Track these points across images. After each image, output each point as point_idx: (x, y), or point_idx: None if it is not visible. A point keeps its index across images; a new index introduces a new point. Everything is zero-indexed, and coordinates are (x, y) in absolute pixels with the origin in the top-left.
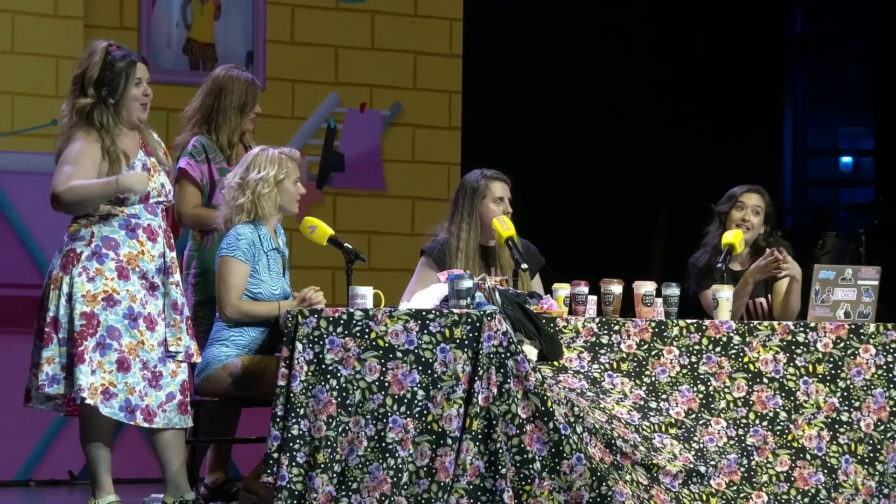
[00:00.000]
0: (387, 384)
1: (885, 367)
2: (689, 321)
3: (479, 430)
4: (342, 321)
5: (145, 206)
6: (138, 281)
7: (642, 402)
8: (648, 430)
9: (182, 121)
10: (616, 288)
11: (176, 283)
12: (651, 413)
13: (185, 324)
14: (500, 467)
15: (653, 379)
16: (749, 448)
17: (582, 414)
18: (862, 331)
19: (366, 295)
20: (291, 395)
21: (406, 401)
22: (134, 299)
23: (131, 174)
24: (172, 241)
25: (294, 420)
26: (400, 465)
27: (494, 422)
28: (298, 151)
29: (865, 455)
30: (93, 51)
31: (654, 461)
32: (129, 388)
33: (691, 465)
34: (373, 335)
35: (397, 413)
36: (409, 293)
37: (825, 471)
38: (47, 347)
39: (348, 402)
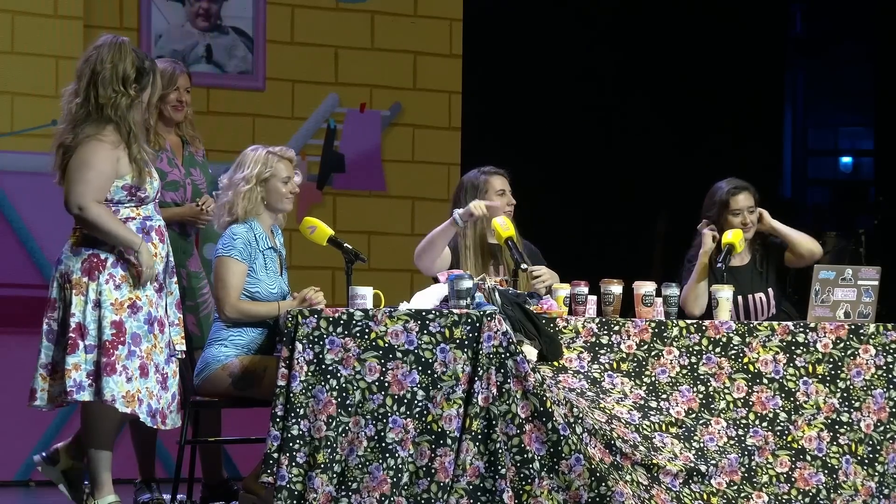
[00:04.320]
0: (387, 384)
1: (884, 367)
2: (688, 321)
3: (478, 431)
4: (342, 321)
5: (154, 207)
6: (152, 285)
7: (642, 402)
8: (648, 430)
9: None
10: (616, 288)
11: (176, 282)
12: (651, 412)
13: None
14: (499, 467)
15: (653, 379)
16: (749, 448)
17: (581, 414)
18: (862, 331)
19: (366, 295)
20: (291, 395)
21: (406, 401)
22: (151, 304)
23: (150, 255)
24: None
25: (294, 420)
26: (400, 466)
27: (494, 422)
28: (293, 151)
29: (865, 456)
30: (119, 47)
31: (655, 461)
32: (149, 392)
33: (692, 465)
34: (373, 335)
35: (397, 413)
36: (425, 249)
37: (825, 471)
38: (73, 354)
39: (348, 402)
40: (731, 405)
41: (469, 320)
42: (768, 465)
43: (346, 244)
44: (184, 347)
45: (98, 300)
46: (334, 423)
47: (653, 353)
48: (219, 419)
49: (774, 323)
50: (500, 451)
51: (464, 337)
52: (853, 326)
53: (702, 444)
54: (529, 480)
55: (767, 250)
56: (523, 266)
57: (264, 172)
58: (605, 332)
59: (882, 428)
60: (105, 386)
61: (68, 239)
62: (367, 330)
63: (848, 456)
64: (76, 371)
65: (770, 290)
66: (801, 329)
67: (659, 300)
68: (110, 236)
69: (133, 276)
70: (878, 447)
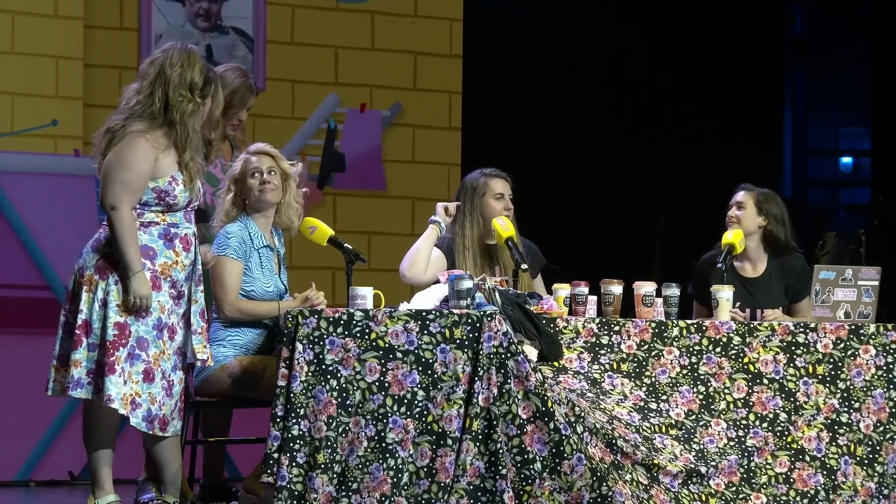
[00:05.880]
0: (387, 384)
1: (885, 367)
2: (689, 321)
3: (479, 431)
4: (342, 321)
5: (185, 215)
6: (168, 291)
7: (642, 403)
8: (648, 432)
9: None
10: (616, 288)
11: (203, 291)
12: (651, 414)
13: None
14: (500, 468)
15: (653, 380)
16: (749, 449)
17: (583, 413)
18: (862, 331)
19: (366, 295)
20: (291, 395)
21: (406, 401)
22: (163, 310)
23: (146, 285)
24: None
25: (294, 420)
26: (400, 466)
27: (495, 422)
28: (268, 144)
29: (865, 456)
30: (189, 54)
31: (655, 461)
32: (152, 398)
33: (692, 466)
34: (373, 335)
35: (397, 413)
36: (414, 260)
37: (824, 472)
38: (76, 350)
39: (348, 402)
40: (732, 405)
41: (469, 320)
42: (767, 466)
43: (346, 244)
44: (205, 356)
45: (105, 300)
46: (334, 424)
47: (653, 354)
48: (228, 421)
49: (774, 323)
50: (501, 451)
51: (464, 337)
52: (853, 327)
53: (702, 446)
54: (530, 481)
55: (784, 266)
56: (523, 266)
57: (235, 173)
58: (606, 332)
59: (882, 428)
60: (105, 385)
61: (96, 234)
62: (367, 330)
63: (847, 457)
64: (76, 368)
65: (782, 308)
66: (802, 329)
67: (659, 300)
68: (119, 246)
69: (147, 279)
70: (878, 448)
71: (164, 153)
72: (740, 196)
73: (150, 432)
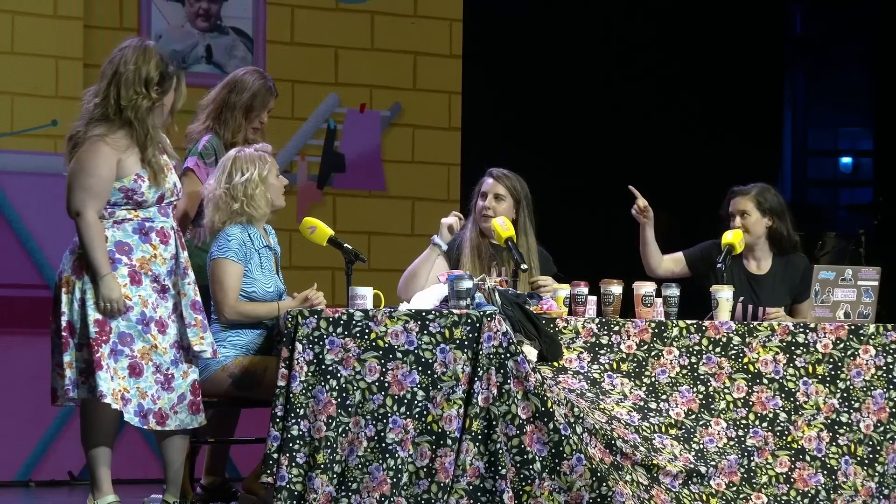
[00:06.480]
0: (387, 385)
1: (884, 367)
2: (688, 321)
3: (478, 431)
4: (342, 322)
5: (159, 209)
6: (150, 285)
7: (642, 403)
8: (648, 431)
9: (198, 109)
10: (616, 288)
11: (191, 283)
12: (651, 414)
13: (205, 321)
14: (500, 468)
15: (652, 379)
16: (749, 449)
17: (582, 414)
18: (862, 331)
19: (366, 295)
20: (291, 395)
21: (406, 401)
22: (146, 304)
23: (115, 288)
24: (183, 240)
25: (294, 420)
26: (400, 466)
27: (494, 422)
28: (270, 146)
29: (865, 456)
30: (144, 50)
31: (654, 461)
32: (142, 392)
33: (691, 466)
34: (373, 336)
35: (397, 413)
36: (410, 283)
37: (825, 472)
38: (66, 352)
39: (348, 402)
40: (731, 405)
41: (469, 321)
42: (768, 466)
43: (346, 244)
44: (204, 347)
45: (83, 298)
46: (334, 424)
47: (653, 354)
48: (234, 421)
49: (774, 323)
50: (501, 451)
51: (464, 337)
52: (853, 327)
53: (701, 446)
54: (529, 481)
55: (789, 265)
56: (523, 266)
57: (263, 170)
58: (605, 332)
59: (882, 428)
60: (96, 382)
61: (74, 238)
62: (367, 330)
63: (847, 456)
64: (69, 370)
65: (785, 307)
66: (801, 329)
67: (659, 300)
68: (86, 251)
69: (125, 275)
70: (878, 447)
71: (126, 154)
72: (739, 204)
73: (146, 427)
